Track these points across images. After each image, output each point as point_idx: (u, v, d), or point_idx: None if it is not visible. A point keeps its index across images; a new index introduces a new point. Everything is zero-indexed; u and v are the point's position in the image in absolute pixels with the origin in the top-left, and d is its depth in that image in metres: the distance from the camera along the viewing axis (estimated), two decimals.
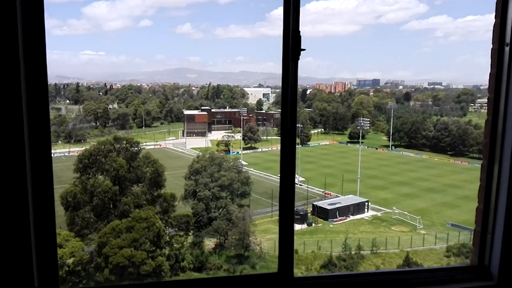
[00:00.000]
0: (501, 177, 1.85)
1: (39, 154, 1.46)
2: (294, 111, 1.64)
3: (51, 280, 1.55)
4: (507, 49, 1.76)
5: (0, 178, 1.38)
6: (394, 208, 28.79)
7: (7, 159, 1.39)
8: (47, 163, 1.47)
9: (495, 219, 1.84)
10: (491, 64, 1.86)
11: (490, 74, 1.86)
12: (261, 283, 1.74)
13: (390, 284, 1.81)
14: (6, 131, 1.38)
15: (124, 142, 23.35)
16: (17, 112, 1.38)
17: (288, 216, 1.76)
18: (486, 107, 1.91)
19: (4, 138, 1.37)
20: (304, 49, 1.62)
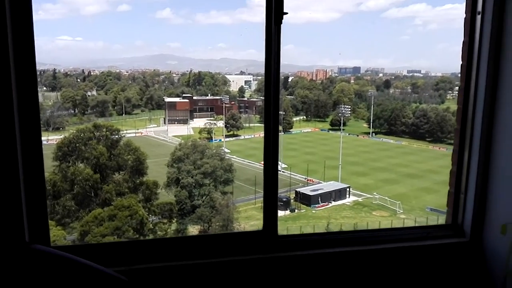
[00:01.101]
0: (472, 141, 1.89)
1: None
2: (277, 76, 1.61)
3: (42, 235, 1.52)
4: (476, 44, 1.88)
5: None
6: (374, 193, 29.37)
7: None
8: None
9: (468, 181, 1.89)
10: (461, 56, 1.96)
11: (461, 65, 1.96)
12: (247, 240, 1.77)
13: (367, 240, 1.87)
14: None
15: (104, 129, 22.92)
16: (8, 99, 1.39)
17: (272, 177, 1.75)
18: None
19: None
20: (286, 13, 1.58)
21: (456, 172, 2.05)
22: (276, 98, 1.78)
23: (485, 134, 1.92)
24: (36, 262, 1.46)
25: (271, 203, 1.86)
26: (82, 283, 1.48)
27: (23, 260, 1.44)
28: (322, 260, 1.85)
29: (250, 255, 1.81)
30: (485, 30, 1.87)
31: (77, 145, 20.61)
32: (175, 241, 1.81)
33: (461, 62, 1.99)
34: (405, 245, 1.95)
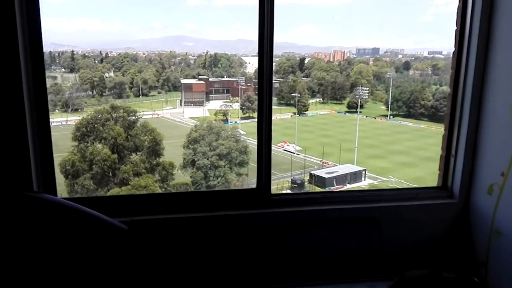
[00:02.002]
0: (463, 107, 1.94)
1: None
2: (271, 56, 1.71)
3: (49, 187, 1.66)
4: (467, 31, 1.96)
5: None
6: (390, 176, 29.18)
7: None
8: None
9: (458, 145, 1.94)
10: (454, 44, 2.04)
11: (453, 53, 2.05)
12: (242, 197, 1.88)
13: (359, 199, 1.95)
14: (8, 98, 1.49)
15: (121, 110, 23.23)
16: (17, 81, 1.49)
17: (266, 139, 1.84)
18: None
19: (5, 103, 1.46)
20: None
21: (447, 136, 2.09)
22: (270, 72, 1.87)
23: (475, 104, 1.99)
24: (44, 210, 1.59)
25: (265, 163, 1.95)
26: (86, 229, 1.61)
27: (32, 207, 1.58)
28: (311, 216, 1.94)
29: (246, 210, 1.91)
30: (475, 18, 1.91)
31: (95, 125, 21.00)
32: (177, 195, 1.93)
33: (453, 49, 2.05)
34: (395, 204, 2.03)
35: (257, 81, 2.06)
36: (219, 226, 1.87)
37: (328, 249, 1.94)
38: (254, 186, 1.95)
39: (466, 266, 2.05)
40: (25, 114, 1.59)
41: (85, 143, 21.79)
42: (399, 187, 2.28)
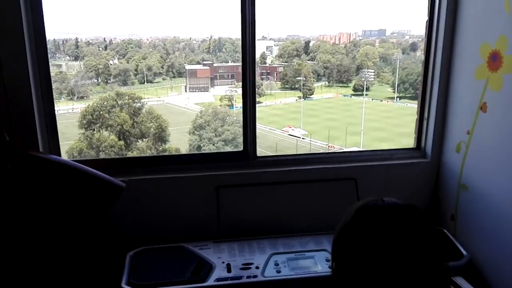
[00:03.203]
0: (434, 74, 2.09)
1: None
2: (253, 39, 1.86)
3: (54, 149, 1.85)
4: (435, 21, 2.12)
5: None
6: None
7: None
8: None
9: (430, 109, 2.09)
10: (427, 13, 2.19)
11: (425, 22, 2.20)
12: (229, 159, 2.06)
13: (339, 160, 2.13)
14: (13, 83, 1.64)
15: (127, 97, 23.44)
16: (24, 69, 1.64)
17: (250, 103, 2.01)
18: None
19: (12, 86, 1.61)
20: None
21: (421, 101, 2.25)
22: (253, 55, 2.02)
23: (444, 70, 2.14)
24: (50, 169, 1.79)
25: (250, 127, 2.13)
26: (87, 186, 1.80)
27: (40, 167, 1.77)
28: (294, 175, 2.13)
29: (233, 170, 2.10)
30: (442, 8, 2.07)
31: (101, 112, 21.29)
32: (170, 157, 2.12)
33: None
34: (372, 164, 2.20)
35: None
36: (208, 184, 2.06)
37: (309, 205, 2.13)
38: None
39: (437, 219, 2.23)
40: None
41: (92, 131, 22.14)
42: (377, 149, 2.39)
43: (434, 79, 2.17)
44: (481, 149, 1.96)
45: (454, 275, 1.85)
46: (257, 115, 2.12)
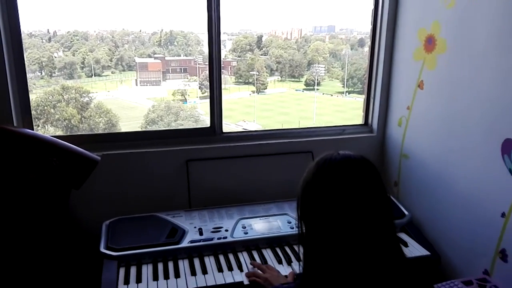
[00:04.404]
0: (378, 62, 2.36)
1: None
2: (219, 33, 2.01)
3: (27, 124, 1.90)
4: (379, 11, 2.40)
5: None
6: None
7: None
8: None
9: (375, 89, 2.37)
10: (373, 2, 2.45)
11: (371, 10, 2.44)
12: (197, 134, 2.20)
13: (297, 135, 2.36)
14: None
15: (73, 91, 22.50)
16: None
17: (216, 82, 2.16)
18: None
19: None
20: None
21: (368, 83, 2.53)
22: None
23: (387, 54, 2.42)
24: (25, 142, 1.84)
25: (216, 105, 2.29)
26: (64, 159, 1.87)
27: (17, 140, 1.82)
28: (258, 149, 2.32)
29: (200, 145, 2.25)
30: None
31: (46, 107, 20.34)
32: (143, 133, 2.23)
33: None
34: (326, 138, 2.44)
35: (207, 70, 2.34)
36: (178, 158, 2.20)
37: (271, 175, 2.33)
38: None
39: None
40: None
41: (36, 127, 21.08)
42: (331, 125, 2.59)
43: (379, 62, 2.44)
44: (419, 122, 2.26)
45: (398, 231, 2.14)
46: (205, 126, 2.29)
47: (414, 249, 2.00)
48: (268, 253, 1.92)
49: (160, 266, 1.80)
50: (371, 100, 2.52)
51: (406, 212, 2.24)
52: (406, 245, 2.03)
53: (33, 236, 1.84)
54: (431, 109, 2.15)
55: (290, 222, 2.09)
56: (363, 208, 0.96)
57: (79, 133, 2.29)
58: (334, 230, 0.96)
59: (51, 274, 1.90)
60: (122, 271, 1.75)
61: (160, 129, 2.40)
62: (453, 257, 2.04)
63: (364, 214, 0.96)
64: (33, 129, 2.02)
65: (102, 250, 1.81)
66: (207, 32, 2.18)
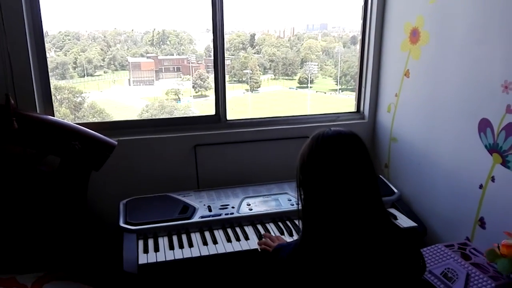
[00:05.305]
0: (369, 49, 2.56)
1: None
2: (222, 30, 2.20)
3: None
4: (369, 6, 2.58)
5: None
6: None
7: None
8: None
9: (366, 79, 2.58)
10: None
11: (362, 5, 2.65)
12: (204, 122, 2.40)
13: (295, 122, 2.56)
14: None
15: (66, 91, 22.47)
16: None
17: (220, 73, 2.35)
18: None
19: None
20: None
21: (359, 73, 2.74)
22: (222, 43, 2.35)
23: (377, 46, 2.63)
24: (49, 128, 2.01)
25: (221, 94, 2.48)
26: (84, 143, 2.04)
27: (40, 126, 1.99)
28: (259, 134, 2.52)
29: (206, 131, 2.45)
30: None
31: None
32: (154, 121, 2.42)
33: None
34: (322, 124, 2.65)
35: (209, 58, 2.52)
36: (187, 143, 2.39)
37: (272, 159, 2.53)
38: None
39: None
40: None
41: None
42: (326, 113, 2.75)
43: (369, 54, 2.65)
44: (406, 108, 2.47)
45: (389, 207, 2.36)
46: (204, 108, 2.47)
47: (402, 222, 2.21)
48: (271, 227, 2.12)
49: (175, 238, 1.99)
50: (363, 89, 2.73)
51: (395, 190, 2.44)
52: (395, 218, 2.24)
53: (58, 213, 2.03)
54: (416, 95, 2.36)
55: (290, 200, 2.29)
56: (352, 174, 1.09)
57: (94, 121, 2.44)
58: (327, 194, 1.09)
59: (74, 248, 2.08)
60: (140, 243, 1.93)
61: (169, 117, 2.58)
62: (438, 227, 2.26)
63: (352, 179, 1.09)
64: (54, 116, 2.20)
65: (122, 224, 2.00)
66: (211, 21, 2.37)
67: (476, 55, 1.92)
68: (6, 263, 2.01)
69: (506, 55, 1.76)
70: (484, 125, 1.91)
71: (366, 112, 2.73)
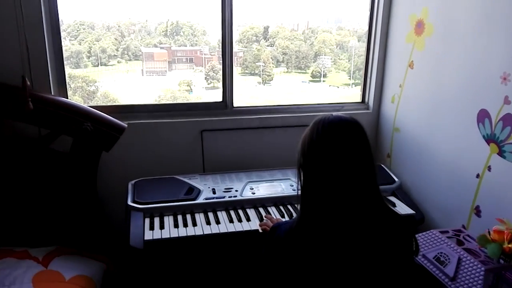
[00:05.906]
0: (375, 43, 2.60)
1: None
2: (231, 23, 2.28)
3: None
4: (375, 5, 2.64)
5: None
6: None
7: None
8: None
9: (372, 71, 2.62)
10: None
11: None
12: (211, 108, 2.48)
13: (301, 110, 2.63)
14: None
15: (80, 80, 22.74)
16: None
17: (228, 60, 2.43)
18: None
19: None
20: None
21: (365, 66, 2.78)
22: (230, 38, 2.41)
23: (383, 39, 2.67)
24: (63, 109, 2.11)
25: (228, 81, 2.55)
26: (95, 124, 2.14)
27: (55, 107, 2.09)
28: (265, 121, 2.59)
29: (213, 117, 2.53)
30: None
31: None
32: (163, 106, 2.51)
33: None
34: (327, 113, 2.69)
35: (221, 50, 2.59)
36: (194, 128, 2.48)
37: (277, 146, 2.60)
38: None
39: (377, 158, 2.79)
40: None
41: None
42: (331, 102, 2.79)
43: (375, 45, 2.69)
44: (409, 98, 2.51)
45: (389, 195, 2.41)
46: (216, 100, 2.55)
47: (400, 209, 2.27)
48: (272, 210, 2.20)
49: (180, 217, 2.08)
50: (368, 79, 2.77)
51: (396, 179, 2.50)
52: (394, 205, 2.30)
53: (69, 191, 2.14)
54: (420, 86, 2.40)
55: (292, 185, 2.36)
56: (350, 159, 1.13)
57: (104, 104, 2.53)
58: (326, 177, 1.14)
59: (83, 224, 2.19)
60: (147, 221, 2.03)
61: (178, 102, 2.66)
62: (436, 216, 2.31)
63: (350, 163, 1.14)
64: (67, 98, 2.30)
65: (130, 203, 2.10)
66: (220, 10, 2.43)
67: (477, 47, 1.95)
68: (20, 238, 2.13)
69: (506, 47, 1.79)
70: (482, 116, 1.94)
71: (371, 103, 2.78)
